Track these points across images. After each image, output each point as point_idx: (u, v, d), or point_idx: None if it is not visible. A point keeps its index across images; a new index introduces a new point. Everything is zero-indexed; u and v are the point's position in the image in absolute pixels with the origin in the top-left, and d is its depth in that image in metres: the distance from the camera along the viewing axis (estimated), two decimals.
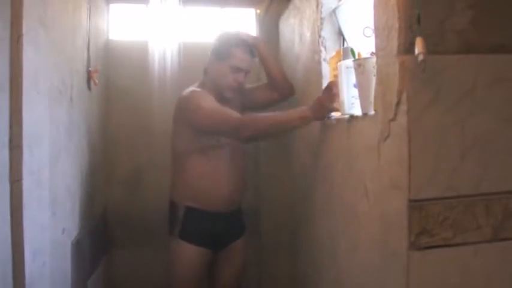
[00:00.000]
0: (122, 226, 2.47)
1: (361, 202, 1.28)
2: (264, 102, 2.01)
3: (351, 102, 1.40)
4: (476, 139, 1.04)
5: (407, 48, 1.02)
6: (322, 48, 1.72)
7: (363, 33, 1.39)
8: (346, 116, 1.41)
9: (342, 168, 1.44)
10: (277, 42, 2.44)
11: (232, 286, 1.99)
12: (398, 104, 1.04)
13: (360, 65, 1.28)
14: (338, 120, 1.50)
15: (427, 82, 1.01)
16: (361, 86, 1.29)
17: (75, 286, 1.71)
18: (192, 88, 1.87)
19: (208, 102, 1.76)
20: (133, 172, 2.50)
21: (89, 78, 1.98)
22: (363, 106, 1.28)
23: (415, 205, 1.01)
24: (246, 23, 2.67)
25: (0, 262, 1.12)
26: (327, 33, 1.73)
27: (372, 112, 1.20)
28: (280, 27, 2.45)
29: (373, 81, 1.21)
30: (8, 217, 1.16)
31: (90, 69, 1.98)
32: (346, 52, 1.42)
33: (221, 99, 1.84)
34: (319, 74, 1.73)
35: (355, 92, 1.36)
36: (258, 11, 2.57)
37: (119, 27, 2.57)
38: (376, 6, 1.15)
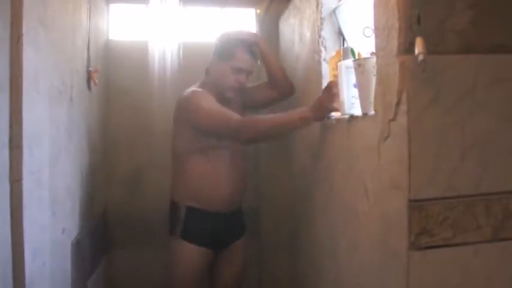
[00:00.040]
0: (122, 226, 2.47)
1: (361, 202, 1.28)
2: (264, 100, 2.01)
3: (351, 102, 1.40)
4: (476, 139, 1.04)
5: (407, 48, 1.02)
6: (322, 48, 1.72)
7: (363, 33, 1.39)
8: (346, 116, 1.41)
9: (342, 168, 1.44)
10: (277, 42, 2.44)
11: (232, 286, 1.99)
12: (398, 104, 1.04)
13: (360, 65, 1.28)
14: (338, 120, 1.50)
15: (427, 82, 1.01)
16: (361, 86, 1.29)
17: (75, 286, 1.71)
18: (192, 88, 1.87)
19: (209, 103, 1.76)
20: (133, 172, 2.50)
21: (89, 78, 1.98)
22: (363, 106, 1.28)
23: (415, 205, 1.01)
24: (246, 23, 2.67)
25: (0, 262, 1.12)
26: (327, 33, 1.73)
27: (372, 112, 1.20)
28: (280, 27, 2.45)
29: (373, 81, 1.21)
30: (8, 217, 1.16)
31: (90, 69, 1.98)
32: (346, 52, 1.42)
33: (222, 99, 1.84)
34: (319, 74, 1.73)
35: (355, 92, 1.36)
36: (258, 11, 2.57)
37: (119, 27, 2.57)
38: (376, 6, 1.15)
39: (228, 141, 1.81)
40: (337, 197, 1.50)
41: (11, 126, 1.16)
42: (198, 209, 1.83)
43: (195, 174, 1.84)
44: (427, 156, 1.01)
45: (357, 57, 1.37)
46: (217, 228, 1.85)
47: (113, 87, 2.47)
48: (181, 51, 2.48)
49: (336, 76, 1.53)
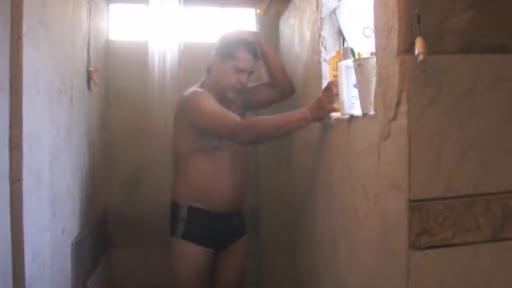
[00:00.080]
0: (122, 226, 2.47)
1: (361, 202, 1.28)
2: (264, 100, 2.01)
3: (351, 102, 1.40)
4: (476, 139, 1.04)
5: (407, 48, 1.02)
6: (322, 48, 1.72)
7: (363, 33, 1.39)
8: (346, 116, 1.41)
9: (341, 168, 1.44)
10: (277, 42, 2.44)
11: (233, 286, 1.99)
12: (398, 104, 1.04)
13: (360, 65, 1.28)
14: (338, 120, 1.50)
15: (427, 82, 1.01)
16: (361, 86, 1.29)
17: (75, 286, 1.71)
18: (193, 88, 1.87)
19: (209, 103, 1.76)
20: (133, 172, 2.50)
21: (89, 78, 1.98)
22: (363, 106, 1.28)
23: (415, 205, 1.01)
24: (246, 23, 2.67)
25: (0, 262, 1.12)
26: (327, 33, 1.73)
27: (372, 112, 1.20)
28: (280, 27, 2.45)
29: (373, 81, 1.20)
30: (8, 217, 1.16)
31: (90, 69, 1.98)
32: (346, 52, 1.42)
33: (223, 99, 1.84)
34: (319, 74, 1.73)
35: (355, 92, 1.36)
36: (258, 11, 2.57)
37: (119, 27, 2.57)
38: (376, 6, 1.15)
39: (229, 141, 1.81)
40: (337, 197, 1.50)
41: (11, 126, 1.17)
42: (200, 209, 1.83)
43: (196, 174, 1.84)
44: (427, 156, 1.01)
45: (357, 57, 1.37)
46: (218, 228, 1.86)
47: (113, 87, 2.48)
48: (181, 51, 2.48)
49: (336, 76, 1.53)
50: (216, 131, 1.77)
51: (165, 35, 2.46)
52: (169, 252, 1.87)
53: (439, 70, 1.01)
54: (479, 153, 1.04)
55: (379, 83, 1.15)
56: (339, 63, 1.44)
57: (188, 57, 2.45)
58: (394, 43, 1.04)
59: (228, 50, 1.84)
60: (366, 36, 1.37)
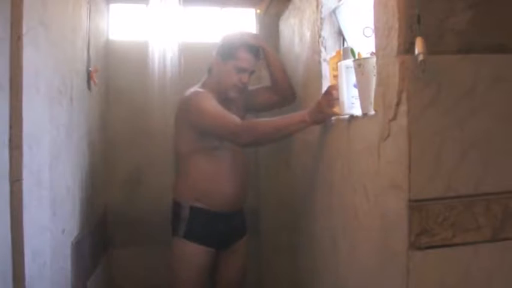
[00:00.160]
0: (122, 226, 2.47)
1: (361, 202, 1.28)
2: (264, 104, 2.00)
3: (351, 102, 1.40)
4: (476, 139, 1.04)
5: (407, 48, 1.02)
6: (322, 48, 1.72)
7: (363, 33, 1.39)
8: (346, 116, 1.41)
9: (341, 168, 1.44)
10: (277, 42, 2.44)
11: (234, 286, 2.00)
12: (398, 104, 1.04)
13: (360, 65, 1.28)
14: (338, 120, 1.50)
15: (427, 82, 1.01)
16: (361, 86, 1.29)
17: (75, 286, 1.71)
18: (194, 88, 1.87)
19: (210, 104, 1.76)
20: (133, 172, 2.50)
21: (89, 78, 1.98)
22: (363, 106, 1.28)
23: (415, 205, 1.01)
24: (246, 23, 2.67)
25: (0, 262, 1.12)
26: (327, 33, 1.73)
27: (372, 112, 1.20)
28: (280, 27, 2.45)
29: (373, 81, 1.20)
30: (8, 217, 1.16)
31: (90, 69, 1.98)
32: (346, 52, 1.42)
33: (224, 99, 1.85)
34: (319, 74, 1.73)
35: (355, 92, 1.36)
36: (258, 11, 2.57)
37: (119, 27, 2.57)
38: (376, 6, 1.15)
39: (228, 142, 1.81)
40: (337, 197, 1.50)
41: (11, 126, 1.16)
42: (201, 208, 1.83)
43: (197, 174, 1.85)
44: (427, 156, 1.01)
45: (357, 57, 1.37)
46: (220, 227, 1.86)
47: (113, 87, 2.48)
48: (181, 51, 2.48)
49: (336, 76, 1.53)
50: (217, 132, 1.77)
51: (165, 35, 2.47)
52: (170, 251, 1.87)
53: (439, 70, 1.01)
54: (479, 153, 1.04)
55: (379, 83, 1.15)
56: (339, 63, 1.44)
57: (188, 57, 2.45)
58: (394, 43, 1.04)
59: (229, 50, 1.84)
60: (366, 36, 1.37)
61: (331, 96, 1.50)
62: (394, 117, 1.06)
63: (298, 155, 2.06)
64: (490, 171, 1.04)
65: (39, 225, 1.33)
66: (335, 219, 1.52)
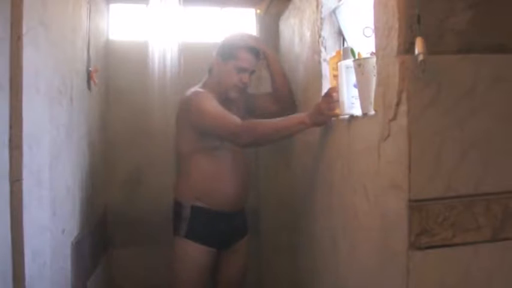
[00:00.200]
0: (122, 226, 2.47)
1: (361, 202, 1.28)
2: (264, 112, 1.99)
3: (351, 102, 1.40)
4: (476, 139, 1.04)
5: (407, 48, 1.02)
6: (322, 48, 1.72)
7: (363, 33, 1.39)
8: (346, 116, 1.41)
9: (342, 168, 1.44)
10: (277, 42, 2.44)
11: (235, 285, 2.00)
12: (398, 104, 1.04)
13: (360, 65, 1.28)
14: (338, 120, 1.50)
15: (427, 82, 1.01)
16: (361, 86, 1.29)
17: (75, 286, 1.71)
18: (194, 89, 1.87)
19: (211, 105, 1.77)
20: (133, 172, 2.50)
21: (89, 78, 1.98)
22: (363, 106, 1.28)
23: (415, 205, 1.01)
24: (246, 23, 2.67)
25: (0, 262, 1.12)
26: (327, 33, 1.73)
27: (372, 112, 1.20)
28: (280, 27, 2.45)
29: (373, 81, 1.20)
30: (8, 217, 1.16)
31: (90, 69, 1.98)
32: (346, 52, 1.42)
33: (224, 99, 1.85)
34: (319, 74, 1.73)
35: (355, 92, 1.36)
36: (258, 11, 2.57)
37: (119, 27, 2.57)
38: (376, 6, 1.15)
39: (228, 143, 1.81)
40: (337, 197, 1.50)
41: (11, 126, 1.16)
42: (202, 208, 1.84)
43: (198, 174, 1.85)
44: (427, 156, 1.01)
45: (357, 57, 1.37)
46: (221, 227, 1.86)
47: (113, 87, 2.47)
48: (181, 51, 2.48)
49: (336, 76, 1.53)
50: (217, 132, 1.77)
51: (165, 35, 2.46)
52: (171, 251, 1.87)
53: (439, 70, 1.01)
54: (479, 153, 1.04)
55: (379, 83, 1.15)
56: (339, 63, 1.44)
57: (188, 57, 2.45)
58: (394, 43, 1.04)
59: (229, 50, 1.85)
60: (366, 36, 1.37)
61: (331, 99, 1.50)
62: (394, 117, 1.06)
63: (298, 155, 2.06)
64: (490, 171, 1.04)
65: (39, 225, 1.33)
66: (335, 219, 1.52)
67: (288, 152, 2.19)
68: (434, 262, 1.02)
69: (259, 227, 2.52)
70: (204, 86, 1.89)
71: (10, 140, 1.16)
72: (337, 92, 1.47)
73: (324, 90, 1.67)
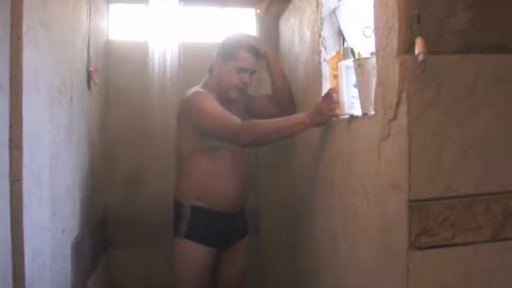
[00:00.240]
0: (122, 226, 2.47)
1: (361, 202, 1.28)
2: (263, 113, 1.98)
3: (351, 102, 1.40)
4: (476, 139, 1.04)
5: (407, 48, 1.02)
6: (322, 48, 1.72)
7: (363, 33, 1.39)
8: (346, 116, 1.41)
9: (342, 168, 1.44)
10: (277, 42, 2.44)
11: (235, 285, 2.00)
12: (398, 104, 1.04)
13: (360, 65, 1.28)
14: (338, 120, 1.50)
15: (427, 82, 1.01)
16: (361, 86, 1.29)
17: (75, 286, 1.71)
18: (195, 89, 1.87)
19: (211, 105, 1.77)
20: (133, 172, 2.50)
21: (89, 78, 1.98)
22: (363, 106, 1.28)
23: (415, 205, 1.01)
24: (246, 23, 2.67)
25: (0, 262, 1.12)
26: (327, 33, 1.73)
27: (372, 112, 1.20)
28: (280, 27, 2.45)
29: (373, 81, 1.21)
30: (8, 217, 1.16)
31: (90, 69, 1.98)
32: (346, 52, 1.42)
33: (225, 99, 1.85)
34: (319, 74, 1.73)
35: (355, 92, 1.36)
36: (258, 11, 2.57)
37: (119, 27, 2.57)
38: (376, 6, 1.15)
39: (228, 143, 1.82)
40: (337, 197, 1.50)
41: (11, 126, 1.16)
42: (203, 208, 1.84)
43: (199, 174, 1.85)
44: (427, 156, 1.01)
45: (357, 57, 1.37)
46: (221, 227, 1.86)
47: (113, 87, 2.47)
48: (181, 51, 2.48)
49: (336, 76, 1.53)
50: (217, 132, 1.78)
51: (165, 35, 2.46)
52: (171, 251, 1.87)
53: (439, 70, 1.01)
54: (479, 153, 1.04)
55: (379, 83, 1.15)
56: (339, 63, 1.44)
57: (188, 57, 2.45)
58: (394, 43, 1.04)
59: (229, 50, 1.85)
60: (366, 36, 1.37)
61: (331, 99, 1.50)
62: (394, 117, 1.06)
63: (298, 155, 2.06)
64: (490, 171, 1.04)
65: (39, 225, 1.33)
66: (335, 219, 1.52)
67: (288, 152, 2.19)
68: (434, 262, 1.02)
69: (259, 227, 2.52)
70: (204, 86, 1.89)
71: (10, 140, 1.16)
72: (337, 92, 1.47)
73: (324, 90, 1.67)
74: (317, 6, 1.75)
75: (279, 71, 1.99)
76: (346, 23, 1.69)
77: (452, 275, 1.03)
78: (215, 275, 1.96)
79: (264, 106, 2.01)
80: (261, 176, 2.53)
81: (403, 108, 1.02)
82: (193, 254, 1.83)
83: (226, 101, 1.85)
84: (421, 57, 0.96)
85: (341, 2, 1.66)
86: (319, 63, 1.73)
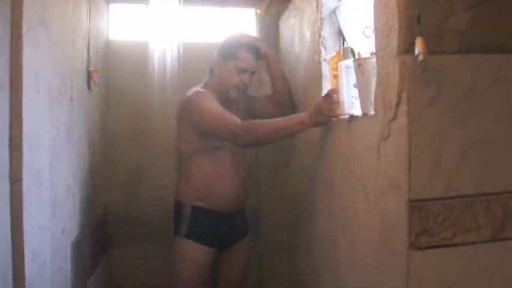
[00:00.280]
0: (122, 226, 2.47)
1: (361, 202, 1.28)
2: (263, 114, 1.98)
3: (351, 102, 1.40)
4: (476, 139, 1.04)
5: (407, 48, 1.02)
6: (322, 48, 1.72)
7: (363, 33, 1.39)
8: (346, 116, 1.41)
9: (342, 168, 1.44)
10: (277, 42, 2.44)
11: (235, 285, 2.00)
12: (398, 104, 1.04)
13: (360, 65, 1.28)
14: (338, 120, 1.50)
15: (427, 82, 1.01)
16: (361, 86, 1.29)
17: (75, 286, 1.71)
18: (195, 89, 1.87)
19: (211, 105, 1.77)
20: (133, 172, 2.50)
21: (89, 78, 1.98)
22: (363, 106, 1.28)
23: (415, 205, 1.01)
24: (246, 23, 2.67)
25: (0, 262, 1.12)
26: (327, 33, 1.73)
27: (372, 112, 1.20)
28: (280, 27, 2.45)
29: (373, 81, 1.21)
30: (8, 217, 1.16)
31: (90, 69, 1.98)
32: (346, 52, 1.42)
33: (225, 99, 1.85)
34: (319, 74, 1.73)
35: (355, 92, 1.36)
36: (258, 11, 2.57)
37: (119, 27, 2.57)
38: (376, 6, 1.15)
39: (229, 143, 1.82)
40: (337, 197, 1.50)
41: (11, 126, 1.16)
42: (203, 208, 1.84)
43: (200, 174, 1.85)
44: (427, 156, 1.01)
45: (357, 57, 1.37)
46: (221, 227, 1.86)
47: (113, 87, 2.47)
48: (181, 52, 2.48)
49: (336, 76, 1.53)
50: (217, 132, 1.78)
51: (165, 35, 2.46)
52: (171, 251, 1.87)
53: (439, 70, 1.01)
54: (479, 153, 1.04)
55: (379, 83, 1.15)
56: (339, 63, 1.44)
57: (188, 57, 2.45)
58: (394, 43, 1.04)
59: (230, 50, 1.85)
60: (366, 36, 1.37)
61: (331, 100, 1.50)
62: (394, 117, 1.06)
63: (298, 155, 2.06)
64: (490, 171, 1.04)
65: (39, 225, 1.33)
66: (335, 219, 1.52)
67: (288, 152, 2.19)
68: (434, 262, 1.02)
69: (259, 227, 2.52)
70: (205, 86, 1.89)
71: (10, 140, 1.16)
72: (338, 93, 1.47)
73: (324, 90, 1.67)
74: (317, 6, 1.75)
75: (279, 72, 1.99)
76: (346, 23, 1.69)
77: (452, 275, 1.03)
78: (215, 275, 1.96)
79: (264, 107, 2.01)
80: (261, 176, 2.53)
81: (403, 108, 1.02)
82: (194, 254, 1.83)
83: (226, 101, 1.85)
84: (421, 57, 0.96)
85: (341, 2, 1.66)
86: (319, 63, 1.73)
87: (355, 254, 1.34)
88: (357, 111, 1.34)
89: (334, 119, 1.54)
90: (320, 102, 1.55)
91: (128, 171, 2.50)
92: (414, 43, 0.98)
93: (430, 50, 0.97)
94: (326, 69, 1.70)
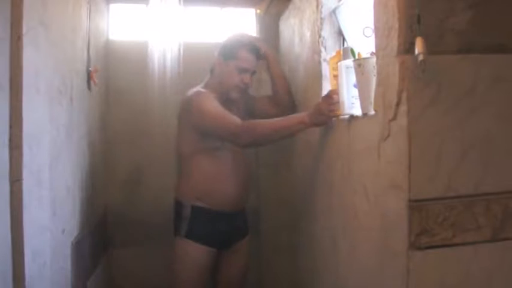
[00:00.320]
0: (122, 226, 2.47)
1: (361, 202, 1.28)
2: (262, 114, 1.98)
3: (351, 102, 1.40)
4: (476, 139, 1.04)
5: (407, 48, 1.02)
6: (322, 48, 1.72)
7: (363, 33, 1.39)
8: (346, 116, 1.41)
9: (342, 168, 1.44)
10: (277, 42, 2.44)
11: (235, 285, 2.00)
12: (398, 104, 1.04)
13: (360, 65, 1.28)
14: (338, 120, 1.50)
15: (427, 82, 1.01)
16: (361, 86, 1.29)
17: (75, 286, 1.71)
18: (196, 89, 1.88)
19: (212, 105, 1.77)
20: (133, 172, 2.50)
21: (89, 78, 1.98)
22: (363, 106, 1.28)
23: (415, 205, 1.01)
24: (246, 23, 2.67)
25: (0, 262, 1.12)
26: (327, 33, 1.73)
27: (372, 112, 1.20)
28: (280, 27, 2.45)
29: (373, 81, 1.21)
30: (8, 217, 1.16)
31: (90, 69, 1.98)
32: (346, 52, 1.42)
33: (226, 99, 1.86)
34: (319, 74, 1.73)
35: (355, 92, 1.36)
36: (258, 11, 2.57)
37: (119, 27, 2.57)
38: (376, 6, 1.15)
39: (229, 143, 1.82)
40: (337, 197, 1.50)
41: (11, 126, 1.16)
42: (203, 208, 1.84)
43: (200, 174, 1.85)
44: (427, 156, 1.01)
45: (357, 57, 1.37)
46: (221, 227, 1.86)
47: (113, 87, 2.47)
48: (181, 52, 2.48)
49: (336, 76, 1.53)
50: (217, 132, 1.78)
51: (165, 35, 2.46)
52: (171, 251, 1.87)
53: (439, 70, 1.01)
54: (479, 153, 1.04)
55: (379, 83, 1.15)
56: (339, 63, 1.44)
57: (188, 57, 2.45)
58: (394, 43, 1.04)
59: (230, 50, 1.85)
60: (366, 36, 1.37)
61: (331, 100, 1.50)
62: (394, 117, 1.06)
63: (299, 155, 2.06)
64: (490, 171, 1.04)
65: (39, 225, 1.33)
66: (335, 219, 1.52)
67: (288, 152, 2.19)
68: (434, 262, 1.02)
69: (260, 227, 2.52)
70: (205, 86, 1.89)
71: (10, 140, 1.16)
72: (338, 93, 1.47)
73: (324, 90, 1.67)
74: (317, 6, 1.75)
75: (279, 72, 2.00)
76: (346, 23, 1.69)
77: (452, 275, 1.03)
78: (215, 275, 1.96)
79: (264, 107, 2.01)
80: (261, 176, 2.53)
81: (403, 108, 1.02)
82: (194, 254, 1.83)
83: (227, 101, 1.85)
84: (421, 57, 0.96)
85: (341, 2, 1.66)
86: (319, 63, 1.73)
87: (355, 254, 1.34)
88: (357, 111, 1.34)
89: (334, 119, 1.54)
90: (320, 102, 1.55)
91: (128, 171, 2.50)
92: (414, 43, 0.98)
93: (430, 50, 0.97)
94: (326, 69, 1.70)
